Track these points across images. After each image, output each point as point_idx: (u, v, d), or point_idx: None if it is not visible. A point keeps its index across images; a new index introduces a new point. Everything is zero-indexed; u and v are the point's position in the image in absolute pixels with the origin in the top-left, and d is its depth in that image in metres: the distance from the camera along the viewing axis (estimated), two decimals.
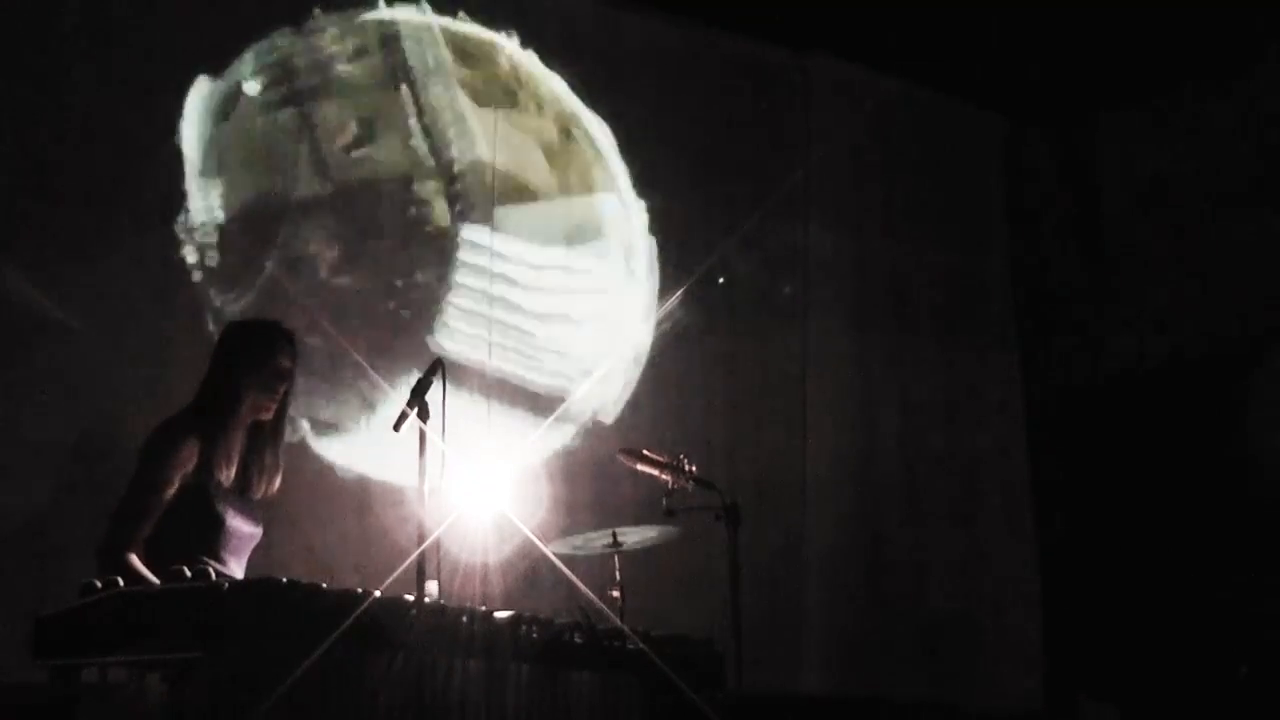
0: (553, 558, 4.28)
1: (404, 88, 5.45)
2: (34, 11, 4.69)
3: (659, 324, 5.89)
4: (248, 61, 5.11)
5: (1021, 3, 6.19)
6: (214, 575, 3.05)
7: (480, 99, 5.63)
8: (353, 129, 5.34)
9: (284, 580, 3.02)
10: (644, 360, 5.87)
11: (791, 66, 6.61)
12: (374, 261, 5.30)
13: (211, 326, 4.76)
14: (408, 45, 5.48)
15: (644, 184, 6.03)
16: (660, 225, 6.04)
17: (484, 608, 3.47)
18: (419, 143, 5.45)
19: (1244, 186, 6.43)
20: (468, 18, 5.63)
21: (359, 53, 5.39)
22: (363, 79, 5.38)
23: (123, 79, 4.80)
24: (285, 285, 4.98)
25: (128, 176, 4.75)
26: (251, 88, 5.10)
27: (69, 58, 4.73)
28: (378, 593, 3.15)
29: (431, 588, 3.40)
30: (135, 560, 3.44)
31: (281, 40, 5.20)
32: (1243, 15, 6.16)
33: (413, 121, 5.45)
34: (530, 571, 4.91)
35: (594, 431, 5.64)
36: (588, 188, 5.90)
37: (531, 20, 5.83)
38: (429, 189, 5.45)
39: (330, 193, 5.22)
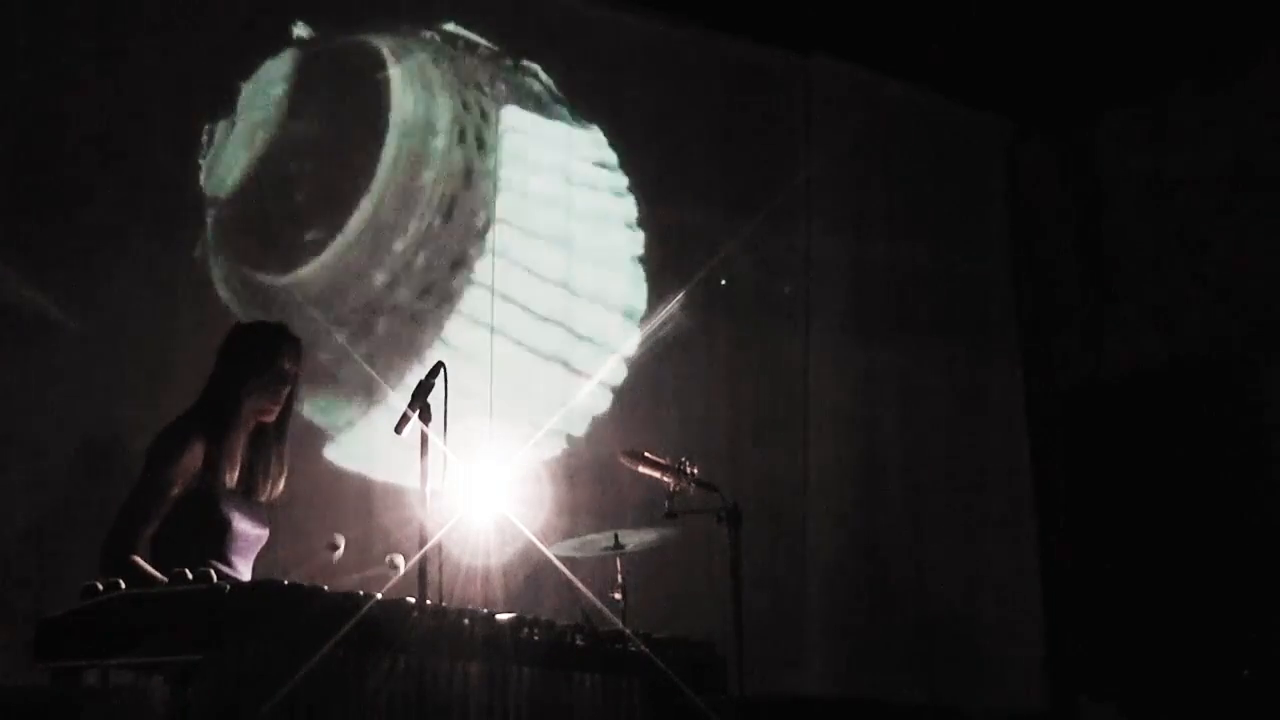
0: (554, 560, 4.28)
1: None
2: (39, 11, 4.69)
3: (660, 325, 5.89)
4: (264, 69, 5.13)
5: (1023, 5, 6.19)
6: (215, 577, 3.05)
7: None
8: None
9: (285, 582, 3.02)
10: (645, 362, 5.87)
11: (793, 68, 6.61)
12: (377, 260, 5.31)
13: (217, 329, 4.74)
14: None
15: (645, 186, 6.03)
16: (662, 227, 6.04)
17: (486, 610, 3.47)
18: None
19: (1245, 187, 6.43)
20: (462, 24, 5.63)
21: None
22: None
23: (126, 79, 4.80)
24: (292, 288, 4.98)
25: (131, 177, 4.75)
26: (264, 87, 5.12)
27: (73, 57, 4.73)
28: (379, 595, 3.16)
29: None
30: (139, 561, 3.45)
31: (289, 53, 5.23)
32: (1242, 16, 6.16)
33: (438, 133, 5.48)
34: (532, 574, 4.91)
35: (596, 434, 5.64)
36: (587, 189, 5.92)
37: (530, 21, 5.83)
38: (434, 188, 5.47)
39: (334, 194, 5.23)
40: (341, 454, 5.05)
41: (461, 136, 5.57)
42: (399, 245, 5.33)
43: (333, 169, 5.25)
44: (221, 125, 5.01)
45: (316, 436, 4.98)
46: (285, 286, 5.00)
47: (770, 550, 5.79)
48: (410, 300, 5.33)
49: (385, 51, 5.45)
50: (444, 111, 5.54)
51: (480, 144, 5.61)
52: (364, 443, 5.07)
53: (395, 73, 5.43)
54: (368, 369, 4.96)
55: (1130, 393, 6.76)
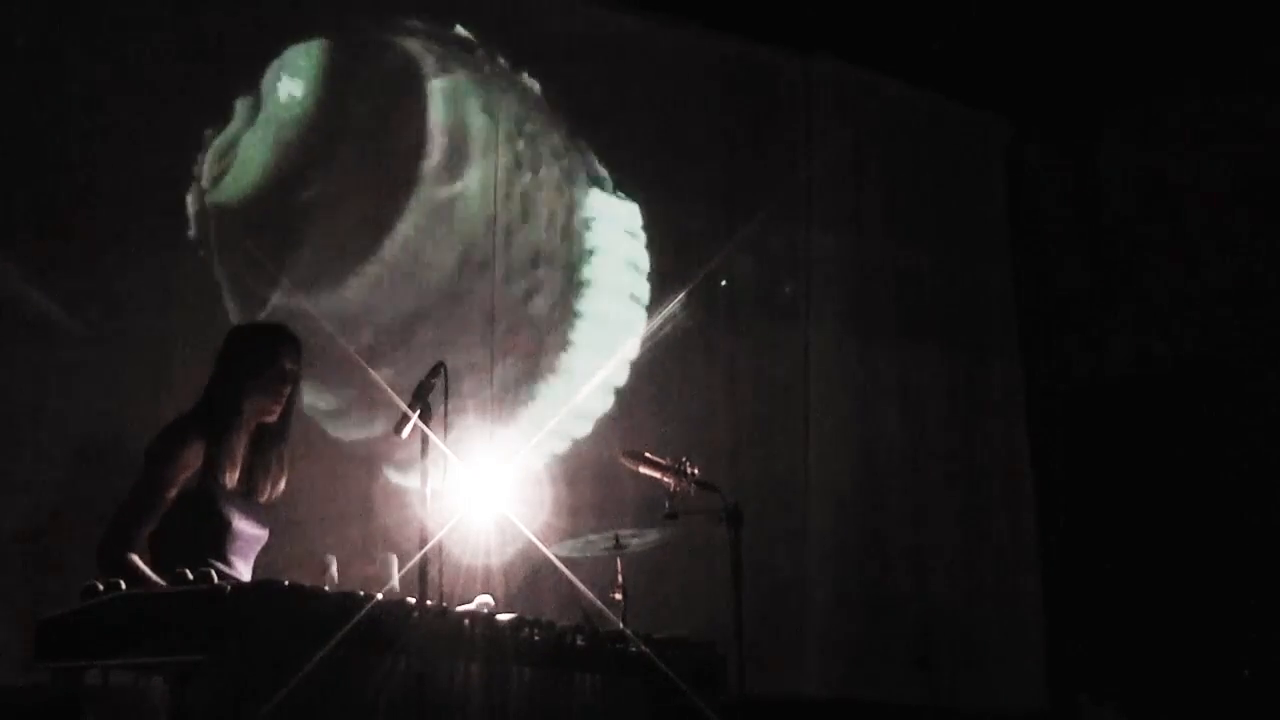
0: (555, 560, 4.27)
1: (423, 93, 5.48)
2: (44, 12, 4.69)
3: (661, 326, 5.89)
4: (273, 69, 5.13)
5: (1024, 5, 6.19)
6: (216, 578, 3.05)
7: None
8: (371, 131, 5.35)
9: (286, 583, 3.02)
10: (645, 362, 5.87)
11: (794, 68, 6.61)
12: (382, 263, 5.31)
13: (218, 329, 4.73)
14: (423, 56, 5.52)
15: (645, 186, 6.03)
16: (662, 227, 6.04)
17: (486, 610, 3.47)
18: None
19: (1245, 188, 6.43)
20: (460, 26, 5.63)
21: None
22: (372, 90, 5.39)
23: (131, 79, 4.80)
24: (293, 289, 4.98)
25: (133, 178, 4.75)
26: (284, 90, 5.12)
27: (76, 58, 4.72)
28: (380, 595, 3.16)
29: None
30: (135, 559, 3.44)
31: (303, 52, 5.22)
32: (1243, 17, 6.16)
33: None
34: (532, 574, 4.91)
35: (596, 434, 5.64)
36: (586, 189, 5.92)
37: (530, 21, 5.83)
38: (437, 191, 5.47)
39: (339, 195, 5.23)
40: (343, 453, 5.05)
41: (481, 144, 5.59)
42: (406, 249, 5.35)
43: (361, 182, 5.27)
44: (232, 126, 5.01)
45: (318, 435, 4.98)
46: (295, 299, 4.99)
47: (770, 550, 5.79)
48: (414, 300, 5.33)
49: (413, 56, 5.46)
50: (473, 120, 5.56)
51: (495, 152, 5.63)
52: (365, 443, 5.07)
53: (432, 84, 5.46)
54: (372, 374, 4.94)
55: (1130, 393, 6.76)
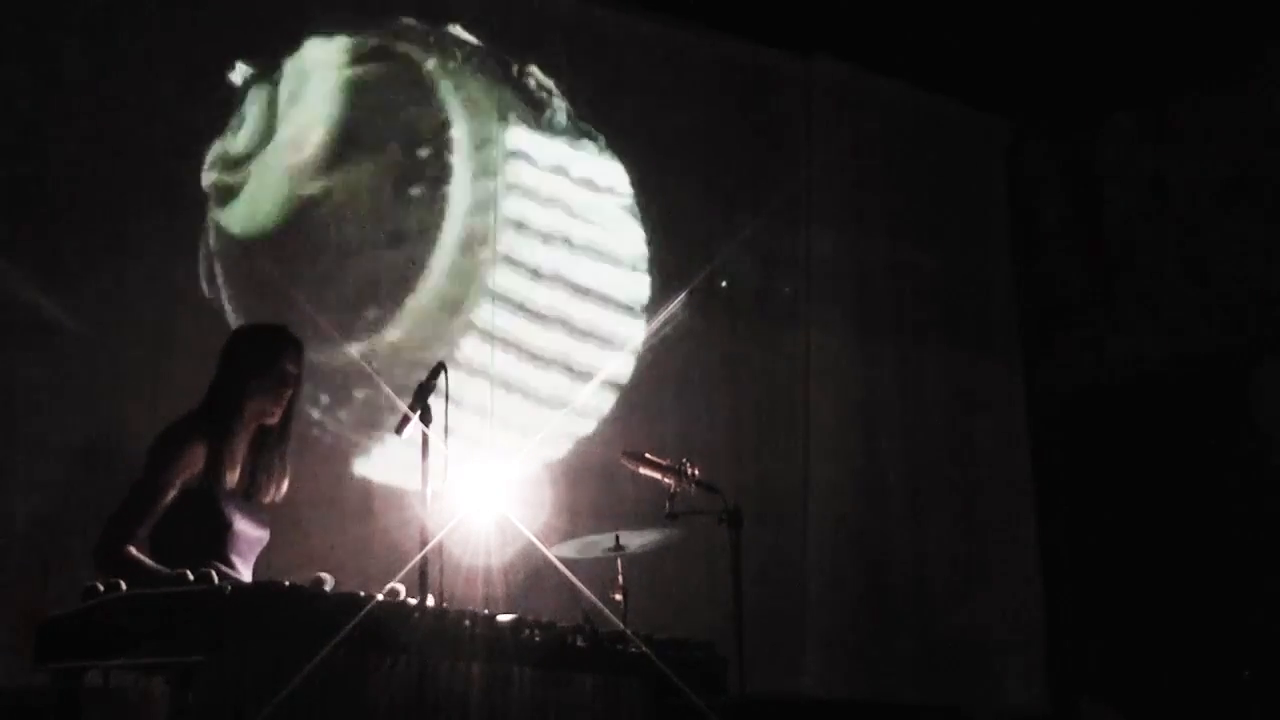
0: (555, 561, 4.27)
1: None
2: (43, 11, 4.69)
3: (661, 326, 5.89)
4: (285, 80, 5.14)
5: (1024, 6, 6.19)
6: (216, 578, 3.05)
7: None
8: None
9: (286, 584, 3.02)
10: (645, 363, 5.86)
11: (794, 69, 6.61)
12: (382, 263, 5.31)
13: (220, 330, 4.73)
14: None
15: (646, 186, 6.03)
16: (662, 227, 6.04)
17: (486, 611, 3.47)
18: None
19: (1245, 188, 6.43)
20: (460, 25, 5.63)
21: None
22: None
23: (131, 79, 4.80)
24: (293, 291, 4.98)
25: (134, 177, 4.75)
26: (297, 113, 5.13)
27: (78, 58, 4.72)
28: (380, 596, 3.16)
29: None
30: (133, 551, 3.44)
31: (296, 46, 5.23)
32: (1243, 18, 6.17)
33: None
34: (533, 575, 4.91)
35: (597, 435, 5.64)
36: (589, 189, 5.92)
37: (530, 21, 5.83)
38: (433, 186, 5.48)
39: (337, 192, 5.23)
40: (343, 454, 5.05)
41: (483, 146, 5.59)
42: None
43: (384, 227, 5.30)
44: (241, 134, 5.00)
45: (319, 436, 4.98)
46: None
47: (770, 551, 5.79)
48: (416, 303, 5.33)
49: (427, 70, 5.48)
50: (479, 125, 5.57)
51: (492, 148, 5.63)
52: (366, 444, 5.07)
53: (450, 100, 5.48)
54: (374, 375, 4.94)
55: (1130, 393, 6.76)
